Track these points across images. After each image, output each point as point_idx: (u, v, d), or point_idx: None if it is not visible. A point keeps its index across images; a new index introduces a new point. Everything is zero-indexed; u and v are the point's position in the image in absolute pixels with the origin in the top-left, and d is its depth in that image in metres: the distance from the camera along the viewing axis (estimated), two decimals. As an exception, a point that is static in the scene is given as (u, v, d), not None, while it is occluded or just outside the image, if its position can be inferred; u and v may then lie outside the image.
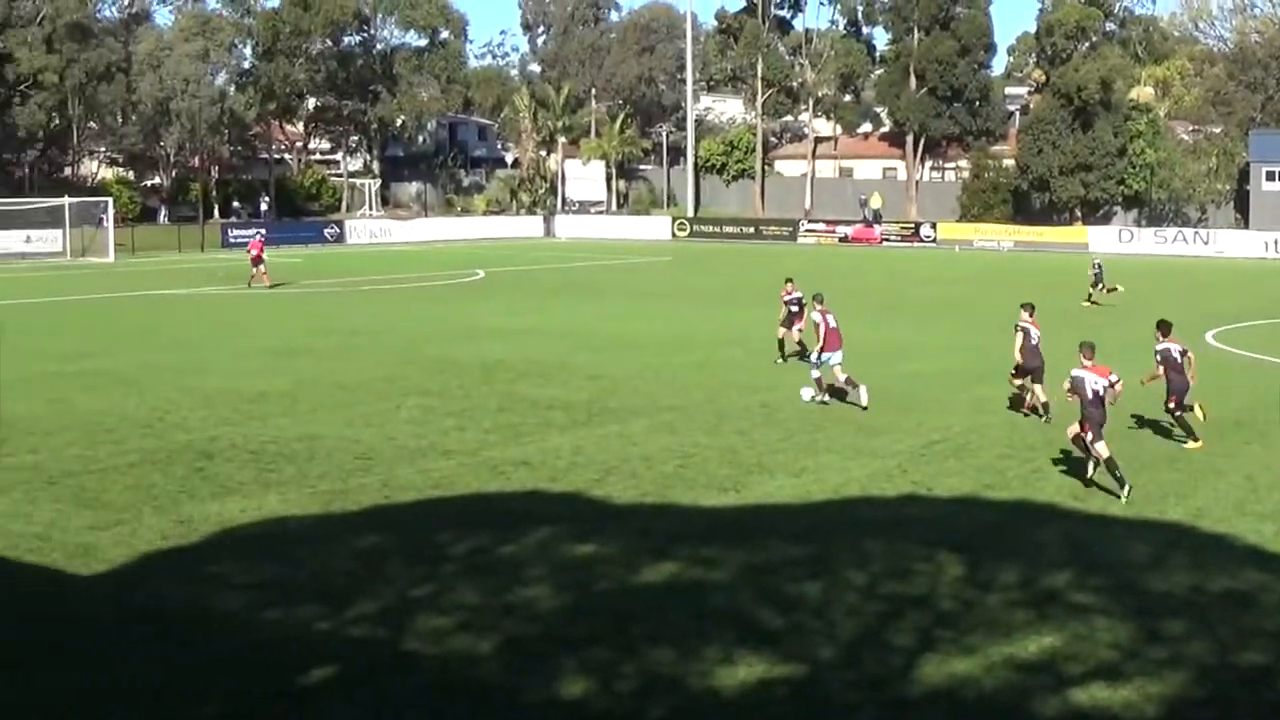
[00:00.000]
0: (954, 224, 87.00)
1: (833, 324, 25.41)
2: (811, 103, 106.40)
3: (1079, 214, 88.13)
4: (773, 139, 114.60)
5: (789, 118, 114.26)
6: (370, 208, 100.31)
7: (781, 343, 31.07)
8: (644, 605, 13.80)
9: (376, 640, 12.88)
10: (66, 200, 73.41)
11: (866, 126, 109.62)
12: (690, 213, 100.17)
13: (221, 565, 15.23)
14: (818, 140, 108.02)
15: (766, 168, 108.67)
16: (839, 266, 64.95)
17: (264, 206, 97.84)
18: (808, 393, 25.71)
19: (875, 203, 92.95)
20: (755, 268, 64.93)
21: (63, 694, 11.55)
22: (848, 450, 21.40)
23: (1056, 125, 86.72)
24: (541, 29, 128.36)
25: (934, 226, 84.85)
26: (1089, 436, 18.56)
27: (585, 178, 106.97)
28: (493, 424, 23.49)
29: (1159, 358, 21.95)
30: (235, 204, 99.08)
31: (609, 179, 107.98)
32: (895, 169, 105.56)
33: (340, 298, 48.32)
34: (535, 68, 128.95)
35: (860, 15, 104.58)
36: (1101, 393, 18.79)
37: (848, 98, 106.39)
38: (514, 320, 39.88)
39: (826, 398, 25.40)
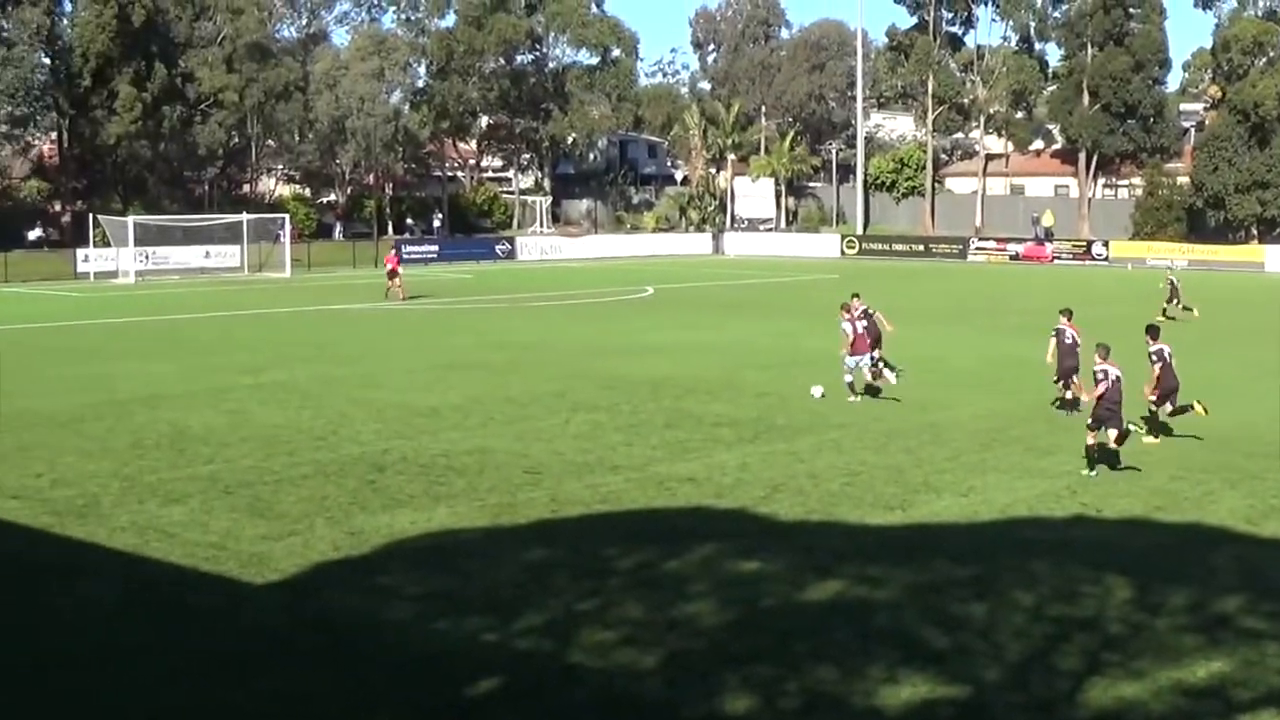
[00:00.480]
0: (1126, 242, 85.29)
1: (860, 329, 27.45)
2: (983, 119, 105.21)
3: (1255, 232, 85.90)
4: (943, 156, 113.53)
5: (960, 134, 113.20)
6: (541, 224, 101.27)
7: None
8: (808, 623, 13.75)
9: (542, 653, 12.99)
10: (245, 217, 75.26)
11: (1038, 143, 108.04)
12: (859, 230, 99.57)
13: (391, 576, 15.47)
14: (989, 157, 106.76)
15: (937, 185, 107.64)
16: (1009, 285, 64.11)
17: (437, 223, 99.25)
18: (818, 390, 27.95)
19: (1047, 220, 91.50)
20: (925, 286, 64.34)
21: (237, 703, 11.82)
22: (1016, 470, 21.11)
23: (1232, 142, 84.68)
24: (712, 47, 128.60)
25: (1106, 245, 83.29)
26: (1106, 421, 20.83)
27: (754, 195, 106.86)
28: (660, 440, 23.57)
29: (1155, 358, 23.60)
30: (409, 221, 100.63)
31: (778, 196, 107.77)
32: (1067, 186, 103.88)
33: (511, 313, 48.84)
34: (705, 85, 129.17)
35: (1033, 31, 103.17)
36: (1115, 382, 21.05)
37: (1019, 114, 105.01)
38: (682, 337, 39.97)
39: (856, 398, 27.40)
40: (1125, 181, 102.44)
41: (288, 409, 26.84)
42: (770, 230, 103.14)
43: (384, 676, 12.41)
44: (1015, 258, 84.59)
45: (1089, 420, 21.22)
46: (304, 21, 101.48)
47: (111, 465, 21.36)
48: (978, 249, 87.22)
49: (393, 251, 59.03)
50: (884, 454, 22.33)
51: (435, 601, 14.45)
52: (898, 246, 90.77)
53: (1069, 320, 26.57)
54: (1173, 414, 23.37)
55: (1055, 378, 26.56)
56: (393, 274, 54.01)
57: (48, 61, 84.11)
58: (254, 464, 21.48)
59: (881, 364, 28.30)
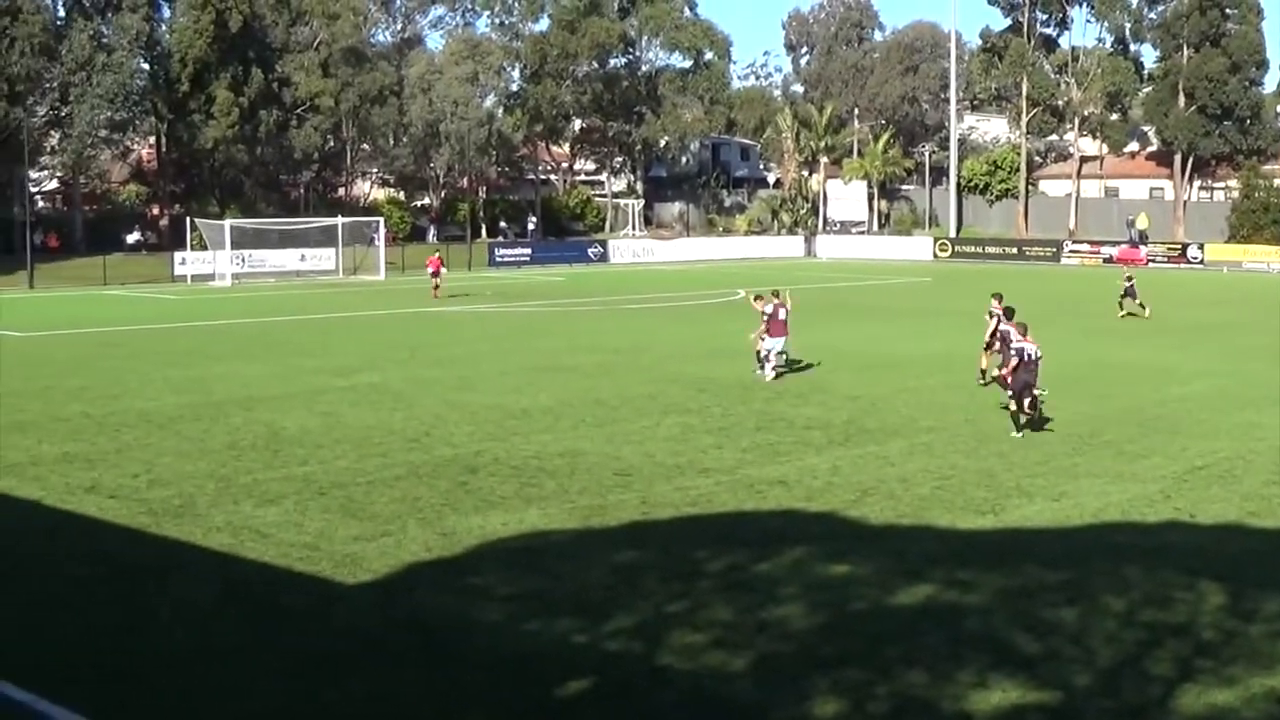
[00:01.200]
0: (1222, 245, 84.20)
1: (781, 316, 30.57)
2: (1077, 121, 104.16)
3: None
4: (1037, 158, 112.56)
5: (1054, 137, 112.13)
6: (633, 227, 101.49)
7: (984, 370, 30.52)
8: (898, 627, 13.71)
9: (632, 655, 13.04)
10: (340, 220, 76.04)
11: (1133, 145, 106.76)
12: (952, 233, 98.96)
13: (482, 577, 15.58)
14: (1083, 159, 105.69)
15: (1030, 187, 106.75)
16: (1103, 288, 63.45)
17: (530, 226, 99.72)
18: (767, 374, 30.71)
19: (1141, 223, 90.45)
20: (1018, 289, 63.80)
21: (330, 703, 11.96)
22: (1108, 474, 20.92)
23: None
24: (805, 49, 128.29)
25: (1201, 248, 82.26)
26: (1012, 389, 24.13)
27: (847, 198, 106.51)
28: (750, 443, 23.58)
29: (1013, 351, 24.83)
30: (502, 224, 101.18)
31: (871, 199, 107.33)
32: (1162, 189, 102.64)
33: (602, 316, 49.00)
34: (798, 88, 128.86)
35: (1128, 32, 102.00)
36: (1034, 359, 24.12)
37: (1114, 116, 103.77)
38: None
39: (765, 371, 30.67)
40: (1221, 184, 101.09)
41: (381, 411, 27.09)
42: (862, 233, 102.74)
43: (475, 677, 12.51)
44: (1109, 261, 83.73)
45: (1009, 392, 24.52)
46: (399, 26, 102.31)
47: (207, 466, 21.68)
48: (1071, 252, 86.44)
49: (436, 255, 60.97)
50: (975, 458, 22.20)
51: (526, 602, 14.54)
52: (990, 249, 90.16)
53: (1000, 304, 29.37)
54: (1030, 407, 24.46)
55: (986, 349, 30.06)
56: (435, 274, 56.79)
57: (147, 67, 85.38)
58: (347, 465, 21.72)
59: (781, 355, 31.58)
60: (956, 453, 22.60)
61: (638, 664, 12.77)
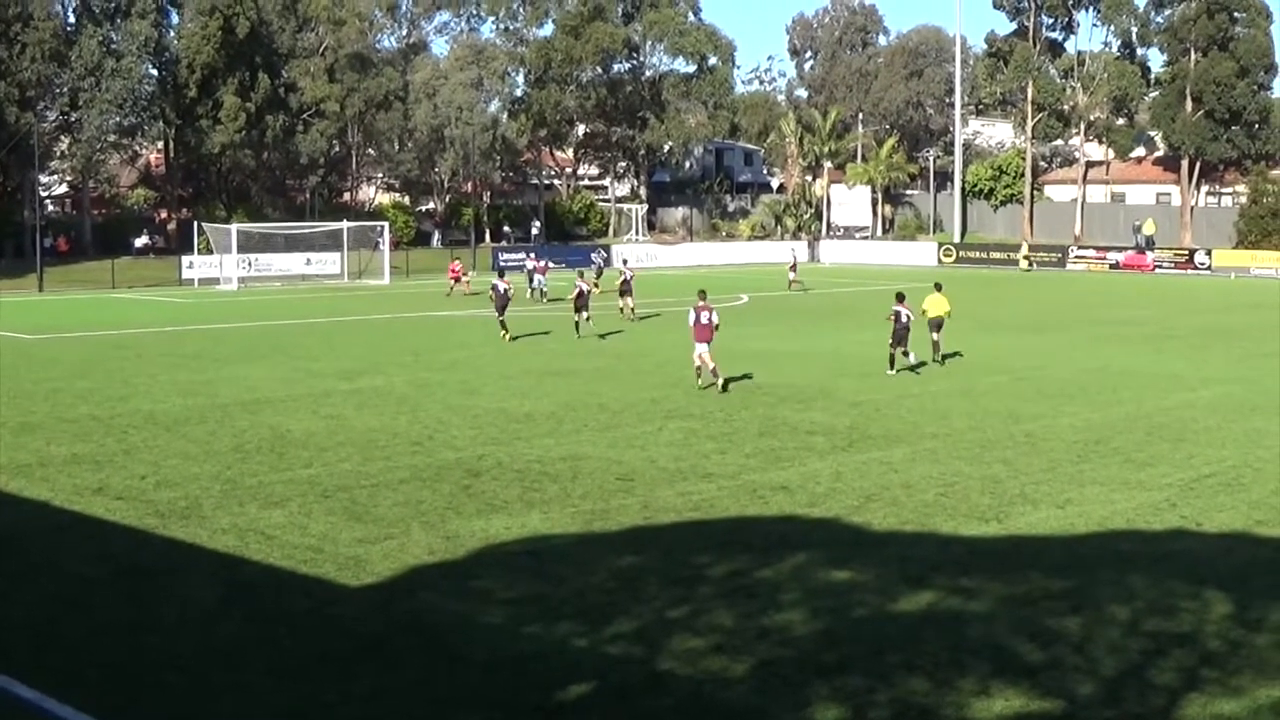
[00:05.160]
0: (1230, 251, 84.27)
1: (704, 321, 30.49)
2: (1083, 126, 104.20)
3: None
4: (1042, 163, 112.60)
5: (1059, 141, 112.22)
6: (637, 232, 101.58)
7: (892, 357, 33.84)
8: (900, 633, 13.71)
9: (632, 659, 13.05)
10: (345, 224, 76.14)
11: (1140, 150, 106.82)
12: (957, 238, 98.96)
13: (485, 580, 15.61)
14: (1089, 165, 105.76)
15: (1036, 192, 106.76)
16: (1109, 294, 63.46)
17: (534, 231, 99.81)
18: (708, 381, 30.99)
19: (1148, 229, 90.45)
20: (1022, 295, 63.84)
21: (332, 703, 11.98)
22: (1114, 482, 20.90)
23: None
24: (809, 54, 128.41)
25: (1209, 253, 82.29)
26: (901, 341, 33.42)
27: (851, 203, 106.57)
28: (753, 448, 23.59)
29: (893, 315, 33.75)
30: (506, 228, 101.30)
31: (875, 204, 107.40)
32: (1169, 194, 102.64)
33: (605, 320, 48.96)
34: (802, 93, 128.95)
35: (1134, 37, 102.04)
36: (907, 320, 33.66)
37: (1120, 121, 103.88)
38: (777, 345, 39.96)
39: (700, 381, 30.77)
40: (1229, 189, 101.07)
41: (385, 414, 27.13)
42: (866, 238, 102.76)
43: (476, 679, 12.54)
44: (1115, 267, 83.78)
45: (890, 339, 33.38)
46: (404, 32, 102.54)
47: (213, 468, 21.73)
48: (1077, 257, 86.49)
49: (456, 264, 64.91)
50: (979, 464, 22.19)
51: (527, 606, 14.57)
52: (995, 254, 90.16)
53: (902, 303, 33.84)
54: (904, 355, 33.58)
55: (890, 344, 33.63)
56: (457, 280, 61.39)
57: (155, 72, 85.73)
58: (352, 468, 21.75)
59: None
60: (960, 459, 22.59)
61: (638, 668, 12.78)
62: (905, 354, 33.45)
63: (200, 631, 13.90)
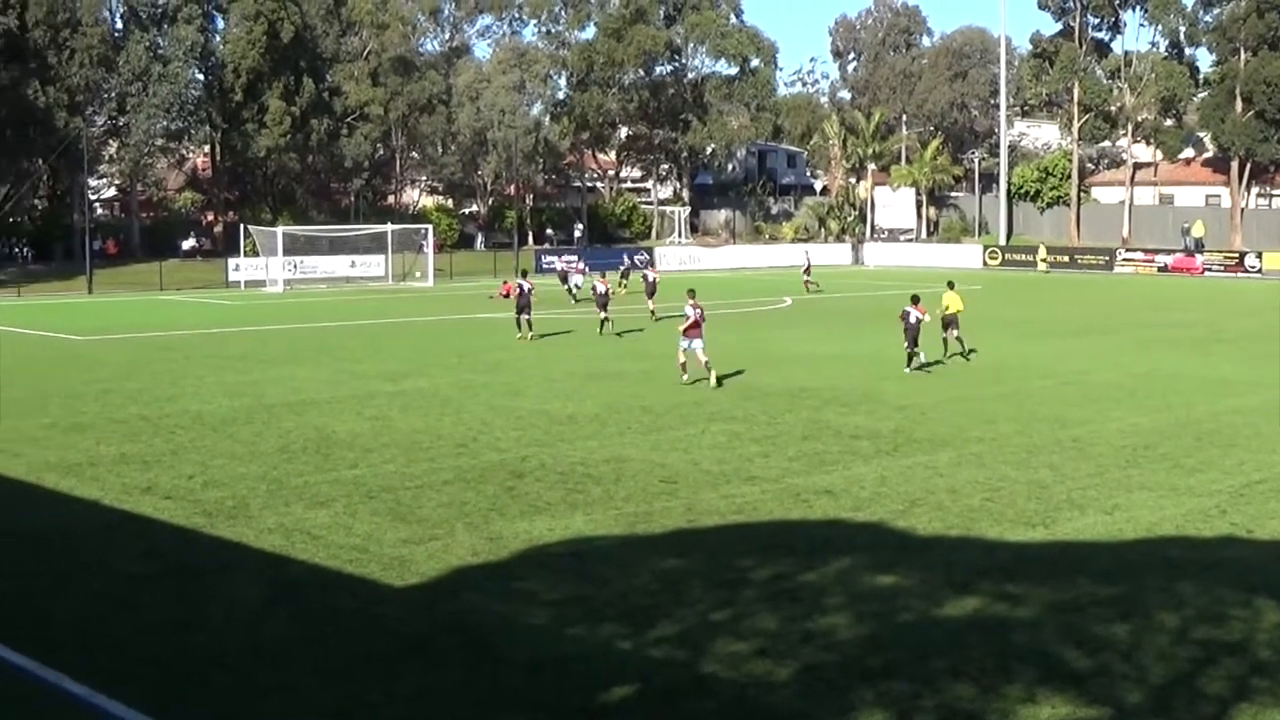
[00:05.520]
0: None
1: (695, 317, 31.69)
2: (1130, 127, 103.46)
3: None
4: (1089, 165, 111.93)
5: (1106, 143, 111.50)
6: (679, 235, 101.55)
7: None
8: (945, 639, 13.62)
9: (675, 662, 13.02)
10: (389, 227, 76.50)
11: (1188, 152, 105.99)
12: (1002, 241, 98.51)
13: (528, 582, 15.61)
14: (1137, 166, 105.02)
15: (1082, 194, 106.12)
16: (1157, 297, 63.06)
17: (577, 233, 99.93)
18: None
19: (1197, 231, 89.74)
20: (1068, 298, 63.48)
21: (376, 703, 12.00)
22: (1163, 488, 20.71)
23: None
24: (852, 55, 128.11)
25: (1259, 256, 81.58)
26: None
27: (895, 205, 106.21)
28: (797, 451, 23.52)
29: (905, 314, 34.48)
30: (549, 231, 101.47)
31: (919, 206, 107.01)
32: (1219, 196, 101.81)
33: (649, 323, 48.97)
34: (845, 94, 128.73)
35: (1183, 36, 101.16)
36: (916, 321, 34.26)
37: (1169, 122, 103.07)
38: (821, 348, 39.84)
39: (685, 377, 31.67)
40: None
41: (429, 415, 27.20)
42: (911, 240, 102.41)
43: (519, 680, 12.53)
44: (1164, 269, 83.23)
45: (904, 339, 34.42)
46: (447, 35, 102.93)
47: (260, 468, 21.83)
48: (1125, 260, 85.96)
49: (508, 283, 62.62)
50: (1026, 469, 22.04)
51: (571, 607, 14.56)
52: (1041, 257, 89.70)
53: (916, 305, 34.49)
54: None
55: (905, 345, 34.53)
56: (507, 295, 57.80)
57: (201, 77, 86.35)
58: (396, 469, 21.81)
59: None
60: (1006, 464, 22.45)
61: (681, 671, 12.75)
62: (915, 353, 34.37)
63: (246, 630, 13.96)
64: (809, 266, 69.94)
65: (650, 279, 52.99)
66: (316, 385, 31.82)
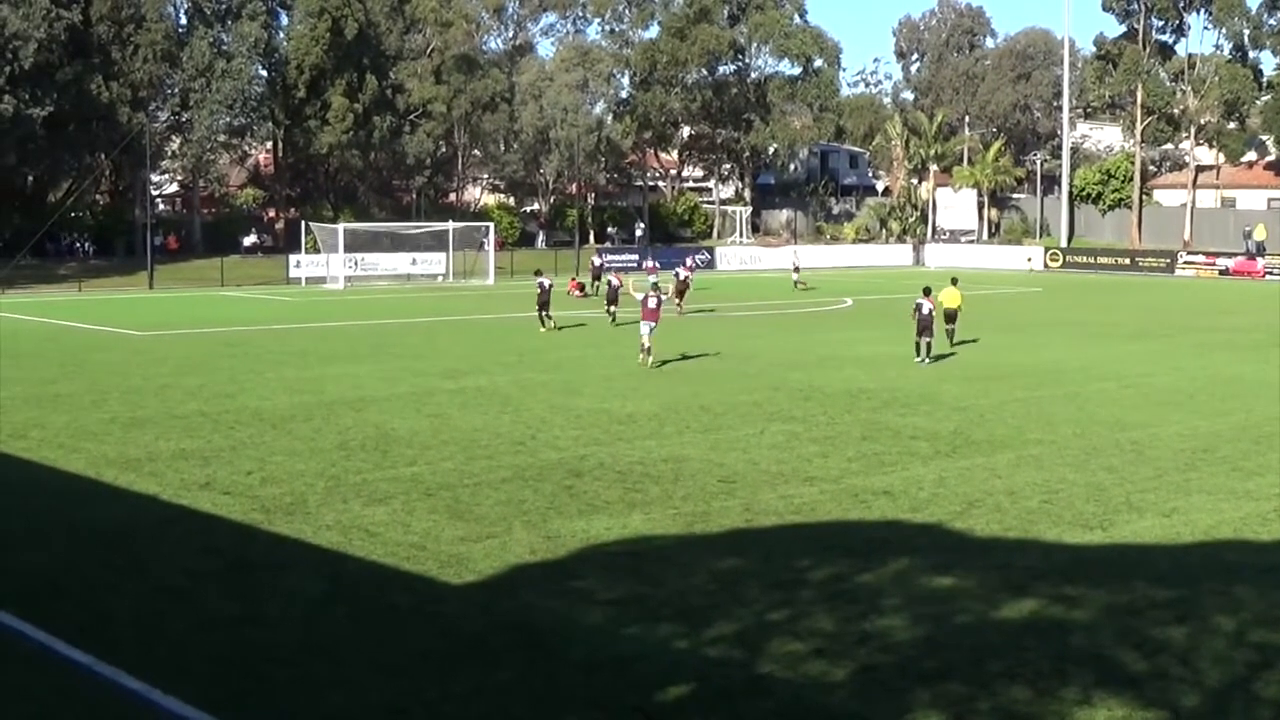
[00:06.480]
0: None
1: (651, 305, 35.19)
2: (1193, 130, 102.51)
3: None
4: (1151, 167, 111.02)
5: (1169, 146, 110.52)
6: (741, 234, 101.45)
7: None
8: (1002, 641, 13.59)
9: (732, 662, 13.05)
10: (451, 225, 76.73)
11: (1251, 155, 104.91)
12: (1064, 243, 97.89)
13: (585, 580, 15.67)
14: (1199, 169, 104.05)
15: (1144, 197, 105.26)
16: (1218, 300, 62.51)
17: (638, 232, 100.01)
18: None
19: (1259, 234, 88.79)
20: (1129, 301, 63.04)
21: (433, 701, 12.09)
22: (1222, 491, 20.57)
23: None
24: (915, 56, 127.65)
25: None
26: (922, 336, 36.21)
27: (956, 206, 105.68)
28: (856, 452, 23.49)
29: (917, 305, 36.84)
30: (610, 229, 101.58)
31: (981, 208, 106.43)
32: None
33: (708, 323, 48.99)
34: (908, 95, 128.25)
35: (1247, 39, 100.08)
36: (929, 312, 36.55)
37: (1232, 125, 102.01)
38: (880, 349, 39.74)
39: (648, 359, 34.81)
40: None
41: (488, 414, 27.32)
42: (972, 242, 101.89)
43: (576, 678, 12.59)
44: (1225, 272, 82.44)
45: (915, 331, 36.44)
46: (510, 33, 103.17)
47: (318, 465, 22.00)
48: (1186, 263, 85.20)
49: (574, 279, 66.25)
50: (1084, 471, 21.94)
51: (628, 606, 14.61)
52: (1103, 259, 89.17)
53: (927, 296, 37.12)
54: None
55: (917, 334, 36.53)
56: (580, 288, 62.58)
57: (264, 73, 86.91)
58: (454, 467, 21.92)
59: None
60: (1065, 466, 22.36)
61: (738, 671, 12.78)
62: (927, 344, 36.43)
63: (304, 626, 14.08)
64: (797, 266, 71.40)
65: (682, 276, 53.73)
66: (376, 382, 32.01)
